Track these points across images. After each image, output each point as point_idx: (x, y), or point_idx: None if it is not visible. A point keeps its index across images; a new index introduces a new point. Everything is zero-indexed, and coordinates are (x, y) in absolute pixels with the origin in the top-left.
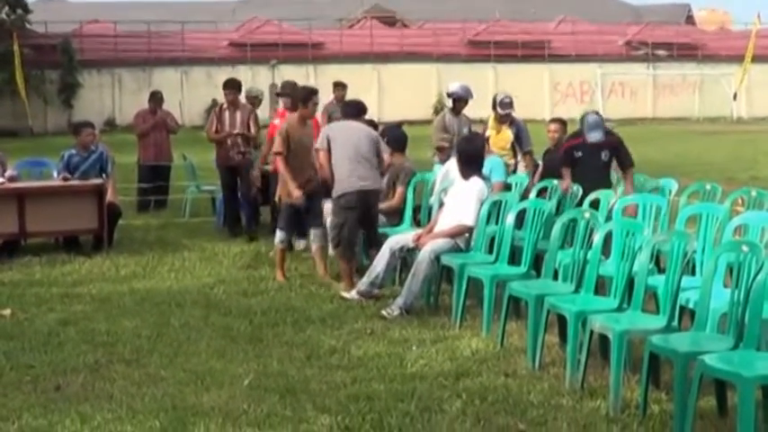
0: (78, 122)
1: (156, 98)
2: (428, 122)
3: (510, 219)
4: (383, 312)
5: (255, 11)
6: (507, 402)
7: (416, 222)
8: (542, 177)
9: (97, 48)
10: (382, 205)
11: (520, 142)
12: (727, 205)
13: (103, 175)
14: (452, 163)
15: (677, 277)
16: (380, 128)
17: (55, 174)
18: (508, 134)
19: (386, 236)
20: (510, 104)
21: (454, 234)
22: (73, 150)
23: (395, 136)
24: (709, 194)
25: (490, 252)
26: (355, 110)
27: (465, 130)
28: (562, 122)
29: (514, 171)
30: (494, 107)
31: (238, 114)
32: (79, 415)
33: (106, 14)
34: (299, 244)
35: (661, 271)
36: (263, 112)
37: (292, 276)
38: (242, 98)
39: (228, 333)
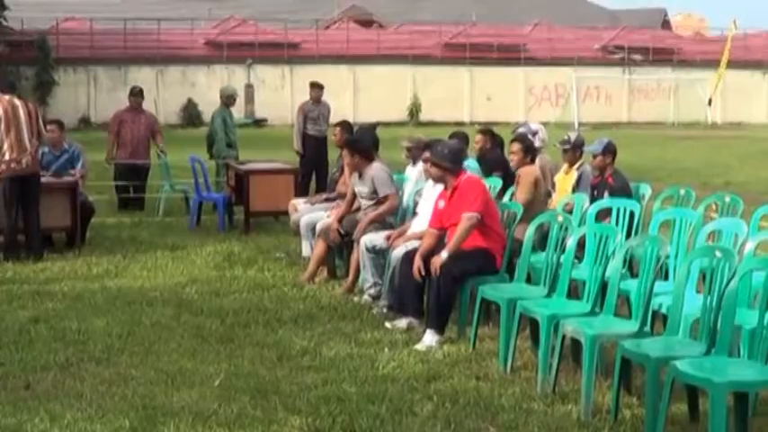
0: (46, 120)
1: (135, 92)
2: (403, 124)
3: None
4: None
5: (232, 10)
6: (478, 406)
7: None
8: None
9: (73, 45)
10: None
11: None
12: (701, 210)
13: (72, 171)
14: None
15: (650, 282)
16: (355, 128)
17: None
18: None
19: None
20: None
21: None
22: (45, 148)
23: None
24: (683, 199)
25: None
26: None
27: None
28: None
29: None
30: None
31: None
32: (49, 413)
33: (82, 11)
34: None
35: (634, 275)
36: (238, 111)
37: (264, 277)
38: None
39: (200, 333)
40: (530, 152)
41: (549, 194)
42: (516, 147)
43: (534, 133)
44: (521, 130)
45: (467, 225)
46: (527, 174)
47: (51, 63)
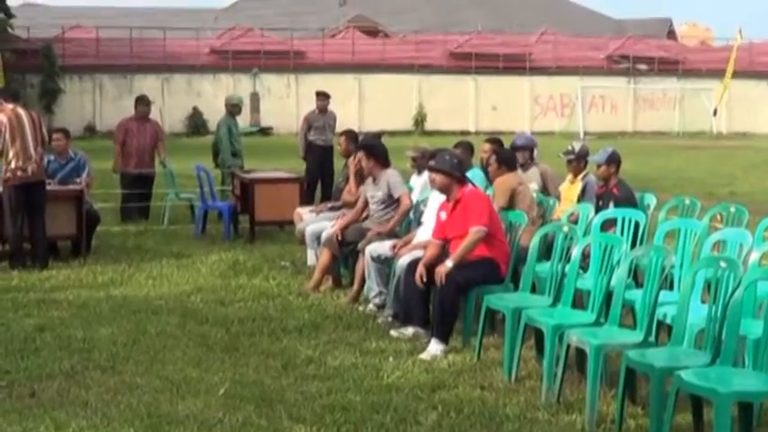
0: (52, 128)
1: (143, 102)
2: (408, 133)
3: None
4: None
5: (237, 19)
6: (483, 415)
7: None
8: None
9: (79, 53)
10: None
11: None
12: (706, 221)
13: (77, 180)
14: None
15: (655, 292)
16: (360, 137)
17: None
18: None
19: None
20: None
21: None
22: (51, 156)
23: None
24: (688, 210)
25: None
26: None
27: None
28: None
29: None
30: None
31: None
32: (54, 421)
33: (88, 20)
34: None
35: (639, 285)
36: (243, 120)
37: (269, 286)
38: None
39: (205, 341)
40: (505, 163)
41: (535, 201)
42: (492, 159)
43: (537, 144)
44: (519, 141)
45: (475, 238)
46: (500, 182)
47: (57, 71)
